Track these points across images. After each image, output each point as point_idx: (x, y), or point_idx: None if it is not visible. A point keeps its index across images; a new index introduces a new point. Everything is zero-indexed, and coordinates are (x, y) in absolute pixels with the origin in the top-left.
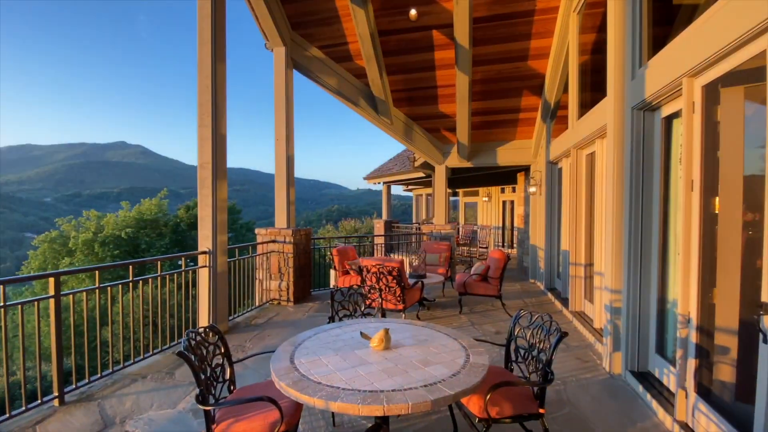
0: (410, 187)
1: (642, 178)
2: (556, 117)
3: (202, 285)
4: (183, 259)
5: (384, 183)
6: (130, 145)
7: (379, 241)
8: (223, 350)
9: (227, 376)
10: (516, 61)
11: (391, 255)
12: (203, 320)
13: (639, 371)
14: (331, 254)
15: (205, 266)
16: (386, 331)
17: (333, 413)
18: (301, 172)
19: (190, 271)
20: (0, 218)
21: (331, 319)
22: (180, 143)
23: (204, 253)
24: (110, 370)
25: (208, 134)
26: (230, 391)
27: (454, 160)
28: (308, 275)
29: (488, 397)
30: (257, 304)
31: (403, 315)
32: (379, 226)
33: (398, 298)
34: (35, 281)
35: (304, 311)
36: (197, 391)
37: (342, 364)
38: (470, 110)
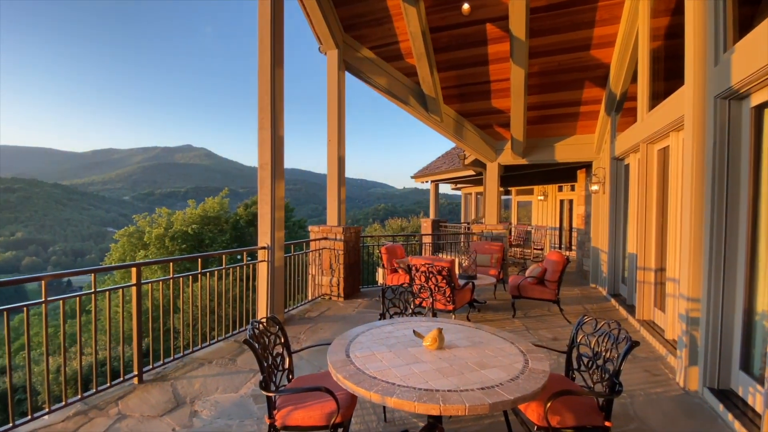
0: (459, 185)
1: (727, 175)
2: (623, 109)
3: (261, 278)
4: (244, 253)
5: (432, 181)
6: (196, 148)
7: (427, 240)
8: (282, 340)
9: (286, 365)
10: (577, 51)
11: (439, 254)
12: (262, 312)
13: (719, 389)
14: (379, 252)
15: (264, 261)
16: (440, 330)
17: (384, 409)
18: (348, 171)
19: (250, 265)
20: (86, 214)
21: (382, 316)
22: (239, 146)
23: (263, 248)
24: (181, 354)
25: (267, 137)
26: (289, 380)
27: (508, 157)
28: (358, 272)
29: (549, 405)
30: (310, 298)
31: (453, 316)
32: (426, 225)
33: (448, 299)
34: (115, 271)
35: (353, 307)
36: (259, 377)
37: (396, 360)
38: (526, 105)
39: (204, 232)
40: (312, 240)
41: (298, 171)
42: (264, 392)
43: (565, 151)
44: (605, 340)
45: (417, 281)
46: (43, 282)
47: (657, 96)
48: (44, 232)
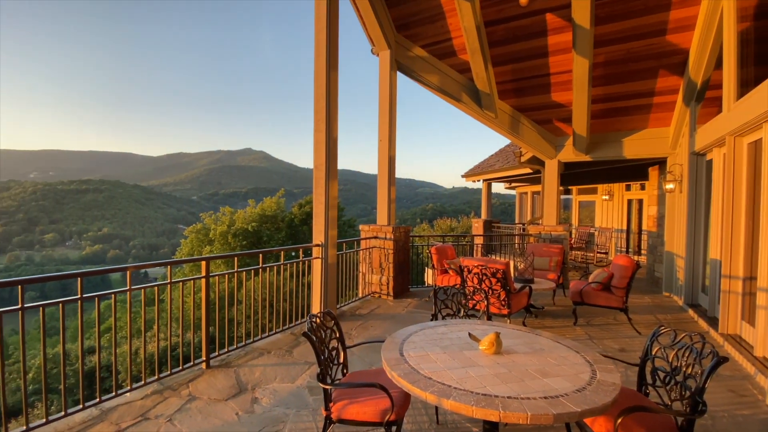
0: (513, 184)
1: None
2: (704, 99)
3: (315, 274)
4: (300, 250)
5: (484, 180)
6: (255, 151)
7: (479, 241)
8: (338, 335)
9: (341, 359)
10: (650, 36)
11: (491, 256)
12: (315, 307)
13: None
14: (429, 252)
15: (318, 258)
16: (497, 334)
17: (437, 410)
18: (396, 171)
19: (307, 262)
20: (161, 213)
21: (434, 317)
22: (294, 148)
23: (317, 245)
24: (243, 343)
25: (322, 138)
26: (343, 374)
27: (569, 154)
28: (407, 271)
29: (619, 421)
30: (360, 295)
31: (508, 321)
32: (477, 226)
33: (502, 303)
34: (185, 264)
35: (403, 306)
36: (314, 370)
37: (451, 362)
38: (590, 98)
39: (262, 229)
40: (362, 239)
41: (347, 171)
42: (321, 384)
43: (634, 147)
44: (686, 354)
45: (469, 283)
46: (128, 272)
47: (746, 83)
48: (126, 228)
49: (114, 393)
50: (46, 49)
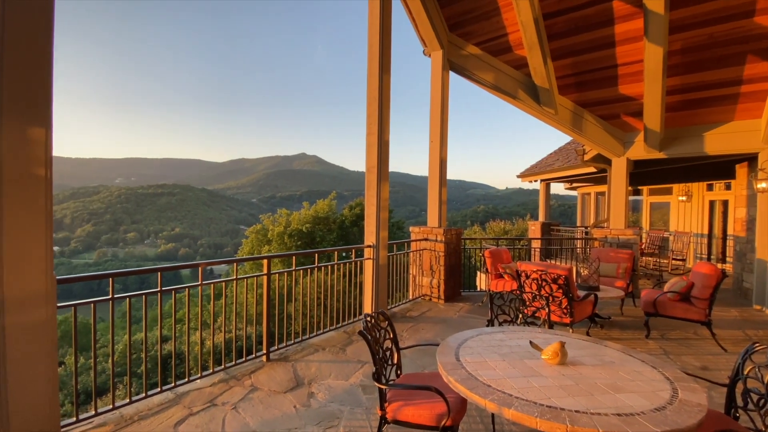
0: (575, 184)
1: None
2: None
3: (366, 275)
4: (353, 251)
5: (541, 181)
6: (309, 155)
7: (536, 245)
8: (391, 336)
9: (395, 360)
10: (736, 19)
11: (549, 261)
12: (367, 307)
13: None
14: (481, 256)
15: (370, 258)
16: (562, 344)
17: (493, 419)
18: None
19: (358, 262)
20: (224, 214)
21: (491, 323)
22: (345, 152)
23: (369, 246)
24: (299, 339)
25: (374, 141)
26: (397, 375)
27: (639, 151)
28: (459, 275)
29: None
30: (410, 297)
31: (570, 330)
32: (534, 229)
33: (564, 311)
34: (245, 262)
35: (455, 310)
36: (366, 369)
37: (511, 371)
38: (664, 89)
39: (315, 230)
40: (413, 240)
41: (395, 173)
42: (376, 384)
43: (718, 142)
44: None
45: (527, 289)
46: (200, 268)
47: None
48: (195, 228)
49: (186, 379)
50: (132, 62)
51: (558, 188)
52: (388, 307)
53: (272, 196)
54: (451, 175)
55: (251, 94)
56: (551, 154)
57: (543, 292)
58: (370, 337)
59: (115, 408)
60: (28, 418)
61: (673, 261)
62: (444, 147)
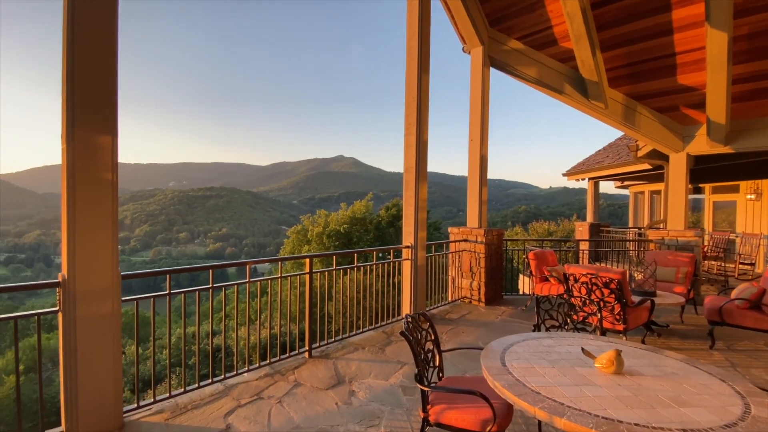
0: (627, 182)
1: None
2: None
3: (405, 276)
4: (391, 251)
5: (589, 179)
6: (346, 157)
7: (584, 246)
8: (432, 337)
9: (436, 363)
10: None
11: (599, 264)
12: (405, 307)
13: None
14: (525, 258)
15: (408, 259)
16: (618, 352)
17: (540, 427)
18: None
19: (396, 262)
20: (267, 215)
21: (537, 328)
22: (381, 154)
23: (407, 247)
24: (339, 337)
25: (412, 141)
26: (439, 378)
27: (701, 146)
28: (500, 277)
29: None
30: (449, 299)
31: (624, 338)
32: (581, 230)
33: (617, 317)
34: (286, 261)
35: (496, 314)
36: (409, 370)
37: (561, 378)
38: (730, 77)
39: (352, 231)
40: (452, 241)
41: (431, 173)
42: (419, 385)
43: None
44: None
45: (576, 293)
46: (248, 266)
47: None
48: (240, 228)
49: (235, 372)
50: (182, 70)
51: (607, 187)
52: (428, 309)
53: (311, 197)
54: (490, 174)
55: (291, 99)
56: (600, 150)
57: (593, 296)
58: (411, 338)
59: (171, 396)
60: (95, 401)
61: (741, 265)
62: (484, 145)
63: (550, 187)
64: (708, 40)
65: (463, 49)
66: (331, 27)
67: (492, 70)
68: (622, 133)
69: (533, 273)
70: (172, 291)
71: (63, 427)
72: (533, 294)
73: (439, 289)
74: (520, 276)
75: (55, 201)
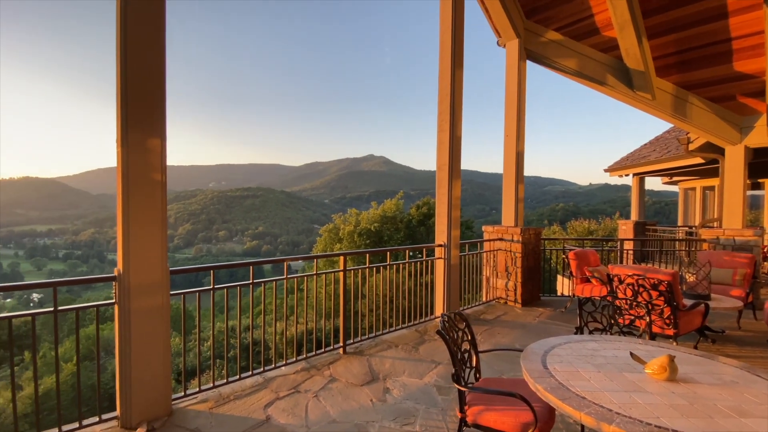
0: (675, 178)
1: None
2: None
3: (438, 275)
4: (424, 250)
5: (634, 175)
6: (376, 156)
7: (629, 246)
8: (469, 337)
9: (473, 363)
10: None
11: (645, 265)
12: (438, 307)
13: None
14: (563, 258)
15: (441, 258)
16: (671, 358)
17: None
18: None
19: (429, 261)
20: (300, 214)
21: (579, 330)
22: (411, 152)
23: (440, 245)
24: (373, 334)
25: (446, 138)
26: (476, 379)
27: (762, 137)
28: (537, 278)
29: None
30: (483, 300)
31: (674, 343)
32: (625, 229)
33: (666, 321)
34: (316, 259)
35: (534, 315)
36: (443, 369)
37: (608, 384)
38: None
39: (383, 230)
40: (486, 240)
41: (463, 171)
42: (456, 385)
43: None
44: None
45: (621, 295)
46: (285, 263)
47: None
48: (275, 227)
49: (273, 365)
50: (221, 73)
51: (654, 183)
52: (461, 309)
53: (342, 196)
54: (525, 171)
55: (323, 99)
56: (646, 144)
57: (640, 299)
58: (448, 337)
59: (215, 387)
60: (147, 389)
61: None
62: (521, 141)
63: (590, 183)
64: (767, 23)
65: (497, 42)
66: (362, 26)
67: (528, 63)
68: (671, 126)
69: (573, 273)
70: (216, 286)
71: (118, 412)
72: (573, 295)
73: (472, 289)
74: (558, 277)
75: (107, 201)
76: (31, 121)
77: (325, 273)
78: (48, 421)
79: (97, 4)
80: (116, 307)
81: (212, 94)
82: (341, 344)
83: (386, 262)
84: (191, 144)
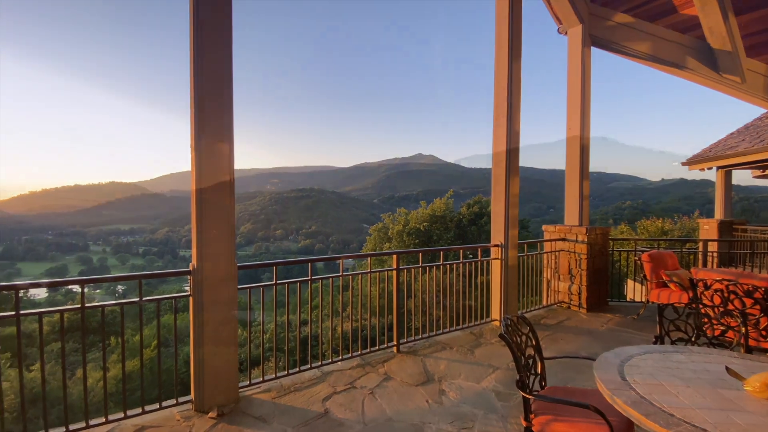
0: None
1: None
2: None
3: (494, 276)
4: (479, 250)
5: (718, 168)
6: (425, 155)
7: (712, 248)
8: (533, 343)
9: (538, 370)
10: None
11: (734, 269)
12: (495, 309)
13: None
14: (636, 260)
15: (498, 258)
16: None
17: None
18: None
19: (484, 262)
20: (350, 214)
21: (659, 340)
22: (460, 150)
23: (496, 246)
24: (426, 335)
25: (502, 133)
26: (541, 387)
27: None
28: (605, 281)
29: None
30: (544, 304)
31: None
32: (708, 229)
33: (763, 333)
34: (369, 258)
35: (601, 322)
36: (502, 374)
37: (700, 400)
38: None
39: (432, 229)
40: (547, 240)
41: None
42: (522, 393)
43: None
44: None
45: (707, 302)
46: (341, 261)
47: None
48: (327, 226)
49: (330, 360)
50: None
51: (741, 177)
52: (520, 313)
53: (391, 196)
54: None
55: (369, 99)
56: (733, 133)
57: (731, 306)
58: (511, 341)
59: (276, 378)
60: (218, 376)
61: None
62: (586, 134)
63: (662, 179)
64: None
65: (558, 30)
66: (412, 24)
67: (593, 49)
68: (765, 111)
69: (647, 277)
70: (278, 281)
71: (192, 395)
72: (647, 301)
73: (530, 292)
74: (628, 280)
75: (179, 203)
76: (113, 129)
77: (379, 271)
78: (130, 400)
79: (169, 23)
80: (191, 299)
81: (270, 100)
82: (395, 343)
83: (438, 261)
84: (252, 148)
